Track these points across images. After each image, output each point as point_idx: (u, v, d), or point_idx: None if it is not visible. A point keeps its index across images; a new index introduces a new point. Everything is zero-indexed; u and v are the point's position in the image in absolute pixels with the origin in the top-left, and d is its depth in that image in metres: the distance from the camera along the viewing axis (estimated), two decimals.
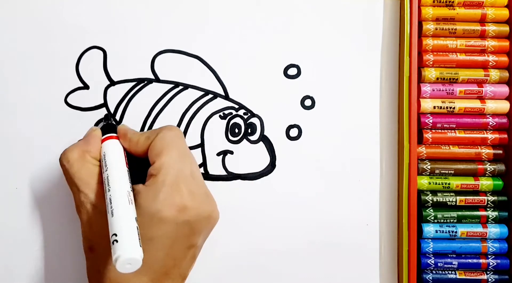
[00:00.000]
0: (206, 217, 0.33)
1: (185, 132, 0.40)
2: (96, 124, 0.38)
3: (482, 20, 0.40)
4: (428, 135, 0.40)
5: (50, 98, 0.40)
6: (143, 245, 0.31)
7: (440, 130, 0.40)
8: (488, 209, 0.40)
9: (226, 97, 0.40)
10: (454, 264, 0.39)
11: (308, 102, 0.41)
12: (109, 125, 0.37)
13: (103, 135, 0.36)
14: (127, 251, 0.27)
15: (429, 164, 0.40)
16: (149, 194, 0.32)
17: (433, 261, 0.39)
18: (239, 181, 0.40)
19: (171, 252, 0.32)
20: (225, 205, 0.40)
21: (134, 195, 0.32)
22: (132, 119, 0.40)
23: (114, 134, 0.36)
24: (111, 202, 0.30)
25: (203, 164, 0.40)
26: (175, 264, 0.33)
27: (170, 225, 0.31)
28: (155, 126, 0.40)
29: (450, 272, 0.40)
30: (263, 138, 0.40)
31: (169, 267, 0.32)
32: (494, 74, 0.40)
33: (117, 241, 0.28)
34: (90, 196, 0.33)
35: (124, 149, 0.35)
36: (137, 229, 0.29)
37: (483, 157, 0.40)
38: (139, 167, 0.34)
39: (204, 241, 0.35)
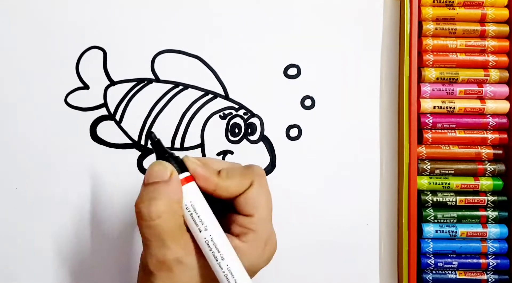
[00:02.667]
0: (265, 260, 0.33)
1: (185, 132, 0.40)
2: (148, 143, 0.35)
3: (482, 20, 0.40)
4: (428, 135, 0.40)
5: (50, 98, 0.40)
6: None
7: (440, 130, 0.40)
8: (488, 209, 0.40)
9: (226, 97, 0.40)
10: (454, 264, 0.39)
11: (308, 102, 0.41)
12: (172, 158, 0.30)
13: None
14: None
15: (429, 164, 0.40)
16: (256, 251, 0.30)
17: (433, 261, 0.39)
18: None
19: None
20: None
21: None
22: (132, 119, 0.40)
23: (188, 174, 0.29)
24: (230, 271, 0.28)
25: None
26: None
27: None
28: (155, 127, 0.40)
29: (450, 272, 0.40)
30: (263, 138, 0.40)
31: None
32: (494, 74, 0.40)
33: None
34: (179, 252, 0.28)
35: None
36: None
37: (483, 157, 0.40)
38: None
39: None
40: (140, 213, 0.28)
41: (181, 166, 0.29)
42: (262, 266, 0.31)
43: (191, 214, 0.28)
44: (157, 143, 0.30)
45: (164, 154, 0.29)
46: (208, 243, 0.28)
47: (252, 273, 0.31)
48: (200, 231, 0.28)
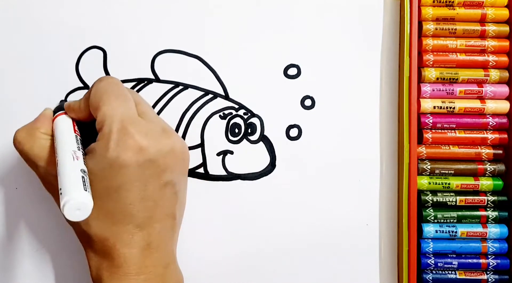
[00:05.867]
0: (168, 151, 0.33)
1: (185, 132, 0.40)
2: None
3: (482, 20, 0.40)
4: (428, 135, 0.40)
5: (50, 98, 0.40)
6: (113, 195, 0.31)
7: (440, 130, 0.40)
8: (488, 209, 0.40)
9: (226, 97, 0.40)
10: (454, 264, 0.39)
11: (308, 102, 0.41)
12: (61, 106, 0.37)
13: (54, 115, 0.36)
14: (70, 197, 0.28)
15: (429, 164, 0.40)
16: (101, 147, 0.31)
17: (433, 261, 0.39)
18: (239, 181, 0.40)
19: (146, 194, 0.32)
20: (225, 205, 0.40)
21: (89, 154, 0.32)
22: None
23: (62, 111, 0.36)
24: (58, 165, 0.31)
25: (203, 164, 0.40)
26: (157, 205, 0.33)
27: (133, 168, 0.31)
28: None
29: (450, 272, 0.40)
30: (263, 138, 0.40)
31: (151, 209, 0.32)
32: (494, 74, 0.40)
33: (61, 193, 0.28)
34: (48, 168, 0.33)
35: (74, 120, 0.36)
36: (83, 178, 0.29)
37: (483, 157, 0.40)
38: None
39: (180, 176, 0.35)
40: (13, 144, 0.35)
41: (61, 109, 0.36)
42: (119, 155, 0.31)
43: (55, 136, 0.34)
44: (61, 100, 0.40)
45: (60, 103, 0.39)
46: (56, 151, 0.32)
47: (106, 169, 0.31)
48: (56, 149, 0.33)
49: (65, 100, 0.39)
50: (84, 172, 0.30)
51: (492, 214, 0.40)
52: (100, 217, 0.31)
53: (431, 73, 0.40)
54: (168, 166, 0.33)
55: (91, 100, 0.33)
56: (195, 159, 0.40)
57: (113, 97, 0.33)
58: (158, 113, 0.40)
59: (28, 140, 0.34)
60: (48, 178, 0.34)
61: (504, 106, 0.40)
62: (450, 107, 0.40)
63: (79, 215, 0.28)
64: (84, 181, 0.29)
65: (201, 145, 0.40)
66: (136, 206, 0.32)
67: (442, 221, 0.39)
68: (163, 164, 0.33)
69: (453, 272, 0.40)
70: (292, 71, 0.41)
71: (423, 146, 0.40)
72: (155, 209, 0.33)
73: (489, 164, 0.40)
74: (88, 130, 0.36)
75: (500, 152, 0.40)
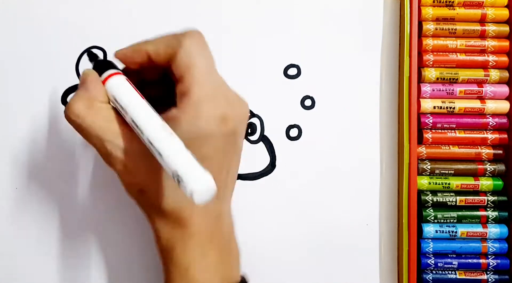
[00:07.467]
0: (245, 118, 0.32)
1: None
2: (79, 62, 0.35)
3: (482, 20, 0.40)
4: (428, 135, 0.40)
5: (50, 98, 0.40)
6: None
7: (440, 130, 0.40)
8: (488, 209, 0.40)
9: None
10: (454, 264, 0.39)
11: (308, 102, 0.41)
12: (101, 62, 0.32)
13: (100, 75, 0.32)
14: (198, 184, 0.26)
15: (429, 164, 0.40)
16: (188, 115, 0.29)
17: (433, 261, 0.39)
18: (239, 181, 0.40)
19: (224, 164, 0.31)
20: None
21: (170, 122, 0.29)
22: None
23: (113, 71, 0.31)
24: (152, 144, 0.28)
25: None
26: (229, 174, 0.32)
27: (219, 139, 0.30)
28: None
29: (450, 272, 0.40)
30: (263, 138, 0.40)
31: (225, 179, 0.31)
32: (494, 74, 0.40)
33: (181, 179, 0.26)
34: (117, 142, 0.30)
35: (129, 80, 0.31)
36: (193, 156, 0.27)
37: (483, 157, 0.40)
38: (151, 89, 0.31)
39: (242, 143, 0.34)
40: (67, 119, 0.31)
41: (105, 66, 0.31)
42: (204, 128, 0.29)
43: (116, 105, 0.30)
44: (91, 55, 0.34)
45: (94, 60, 0.33)
46: (132, 124, 0.29)
47: (193, 139, 0.29)
48: (125, 116, 0.30)
49: (95, 56, 0.34)
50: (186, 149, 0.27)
51: (492, 214, 0.40)
52: (178, 189, 0.28)
53: (431, 73, 0.40)
54: (241, 133, 0.32)
55: (180, 57, 0.30)
56: None
57: (204, 62, 0.30)
58: None
59: (88, 113, 0.30)
60: (115, 152, 0.30)
61: (504, 106, 0.40)
62: (450, 107, 0.40)
63: (207, 197, 0.26)
64: (197, 160, 0.27)
65: None
66: (215, 177, 0.28)
67: (442, 221, 0.39)
68: (238, 132, 0.31)
69: (453, 272, 0.40)
70: (292, 71, 0.41)
71: (423, 146, 0.40)
72: (227, 178, 0.32)
73: (489, 164, 0.40)
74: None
75: (500, 152, 0.40)
